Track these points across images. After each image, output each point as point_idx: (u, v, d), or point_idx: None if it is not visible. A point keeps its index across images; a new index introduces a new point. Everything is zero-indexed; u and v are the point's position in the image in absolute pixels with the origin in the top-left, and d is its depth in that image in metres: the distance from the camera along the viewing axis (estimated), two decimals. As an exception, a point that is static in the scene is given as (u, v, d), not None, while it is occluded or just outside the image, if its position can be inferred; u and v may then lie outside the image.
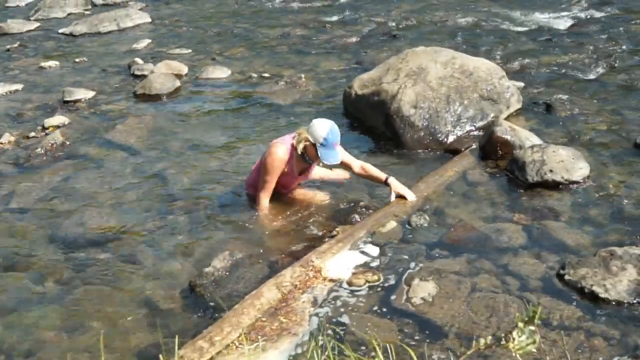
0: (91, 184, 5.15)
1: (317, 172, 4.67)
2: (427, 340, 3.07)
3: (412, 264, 3.68)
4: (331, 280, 3.55)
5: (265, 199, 4.36)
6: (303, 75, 7.20)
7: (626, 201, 4.24)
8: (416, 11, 9.64)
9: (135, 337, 3.35)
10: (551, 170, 4.44)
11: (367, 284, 3.52)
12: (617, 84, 6.36)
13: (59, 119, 6.43)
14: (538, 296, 3.35)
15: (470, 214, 4.23)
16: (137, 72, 7.77)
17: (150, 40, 9.24)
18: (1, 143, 6.02)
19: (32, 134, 6.21)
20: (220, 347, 3.01)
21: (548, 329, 3.07)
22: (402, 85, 5.58)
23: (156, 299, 3.66)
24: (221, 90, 7.18)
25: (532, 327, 1.61)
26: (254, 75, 7.49)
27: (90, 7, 11.78)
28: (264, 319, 3.21)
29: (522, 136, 4.93)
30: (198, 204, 4.71)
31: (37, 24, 10.63)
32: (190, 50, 8.65)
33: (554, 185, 4.42)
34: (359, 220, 4.23)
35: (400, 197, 4.33)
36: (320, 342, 2.67)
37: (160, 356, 2.45)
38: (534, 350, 1.65)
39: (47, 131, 6.21)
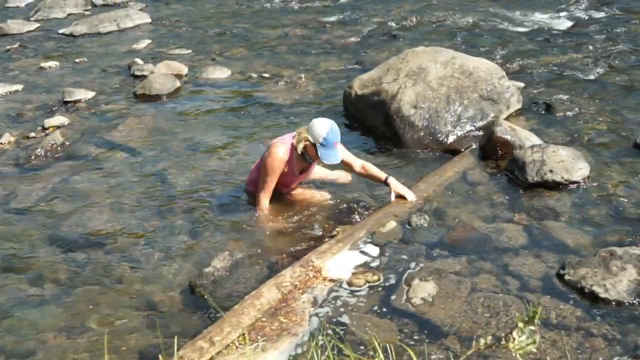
0: (91, 184, 5.15)
1: (318, 172, 4.67)
2: (427, 340, 3.07)
3: (412, 264, 3.68)
4: (331, 281, 3.55)
5: (265, 199, 4.35)
6: (303, 76, 7.20)
7: (626, 201, 4.24)
8: (416, 11, 9.64)
9: (135, 337, 3.35)
10: (551, 171, 4.43)
11: (367, 284, 3.52)
12: (617, 84, 6.36)
13: (59, 120, 6.43)
14: (538, 296, 3.35)
15: (470, 214, 4.23)
16: (137, 73, 7.77)
17: (150, 41, 9.23)
18: (1, 143, 6.02)
19: (32, 134, 6.21)
20: (220, 347, 3.02)
21: (548, 329, 3.07)
22: (402, 85, 5.58)
23: (156, 299, 3.66)
24: (221, 91, 7.18)
25: (532, 327, 1.61)
26: (254, 75, 7.49)
27: (90, 7, 11.77)
28: (263, 319, 3.21)
29: (522, 136, 4.93)
30: (198, 204, 4.71)
31: (37, 25, 10.63)
32: (190, 51, 8.65)
33: (554, 186, 4.42)
34: (359, 220, 4.23)
35: (400, 197, 4.33)
36: (320, 342, 2.67)
37: (160, 356, 2.45)
38: (534, 350, 1.65)
39: (47, 131, 6.21)
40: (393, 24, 9.14)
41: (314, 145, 4.10)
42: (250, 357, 2.92)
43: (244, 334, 3.05)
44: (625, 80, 6.44)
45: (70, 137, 6.04)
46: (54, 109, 6.85)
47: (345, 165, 4.46)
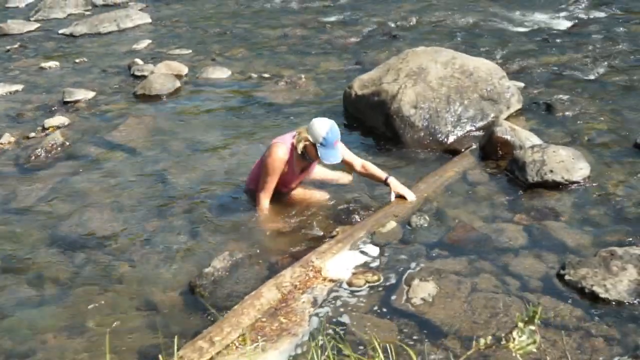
0: (91, 184, 5.15)
1: (319, 172, 4.66)
2: (427, 340, 3.07)
3: (412, 264, 3.68)
4: (331, 281, 3.55)
5: (265, 199, 4.35)
6: (303, 76, 7.20)
7: (626, 201, 4.23)
8: (416, 11, 9.64)
9: (135, 337, 3.35)
10: (551, 171, 4.43)
11: (367, 284, 3.52)
12: (618, 84, 6.36)
13: (59, 120, 6.43)
14: (538, 296, 3.34)
15: (470, 214, 4.23)
16: (137, 73, 7.77)
17: (150, 41, 9.24)
18: (1, 143, 6.03)
19: (32, 134, 6.21)
20: (220, 348, 3.01)
21: (548, 329, 3.07)
22: (402, 85, 5.58)
23: (156, 299, 3.66)
24: (221, 91, 7.18)
25: (532, 327, 1.61)
26: (254, 75, 7.49)
27: (90, 7, 11.77)
28: (263, 319, 3.21)
29: (523, 136, 4.93)
30: (198, 204, 4.71)
31: (37, 25, 10.63)
32: (190, 51, 8.65)
33: (554, 186, 4.42)
34: (358, 220, 4.22)
35: (400, 197, 4.33)
36: (320, 342, 2.67)
37: (160, 356, 2.45)
38: (535, 350, 1.65)
39: (47, 132, 6.21)
40: (393, 24, 9.15)
41: (313, 145, 4.10)
42: (250, 357, 2.92)
43: (244, 334, 3.05)
44: (625, 80, 6.44)
45: (70, 137, 6.04)
46: (54, 109, 6.85)
47: (345, 164, 4.45)
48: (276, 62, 7.95)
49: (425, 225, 4.09)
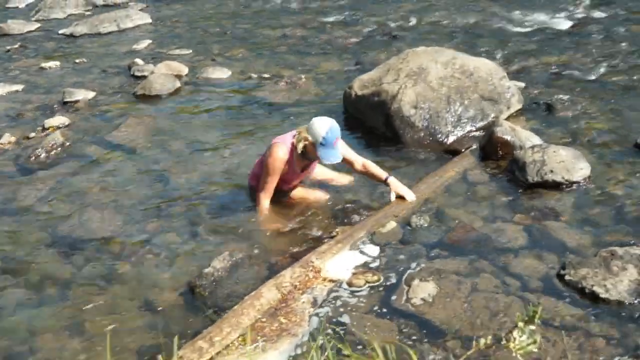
0: (91, 184, 5.15)
1: (319, 172, 4.66)
2: (427, 341, 3.07)
3: (412, 265, 3.68)
4: (331, 281, 3.55)
5: (265, 199, 4.35)
6: (303, 76, 7.20)
7: (627, 201, 4.23)
8: (416, 11, 9.64)
9: (135, 337, 3.35)
10: (552, 171, 4.43)
11: (367, 285, 3.52)
12: (618, 84, 6.35)
13: (59, 120, 6.43)
14: (538, 296, 3.34)
15: (471, 214, 4.22)
16: (137, 73, 7.76)
17: (150, 41, 9.23)
18: (1, 143, 6.03)
19: (33, 134, 6.21)
20: (220, 348, 3.02)
21: (548, 329, 3.06)
22: (402, 85, 5.58)
23: (156, 299, 3.66)
24: (221, 91, 7.17)
25: (532, 327, 1.61)
26: (254, 75, 7.48)
27: (90, 7, 11.77)
28: (263, 319, 3.21)
29: (523, 136, 4.92)
30: (198, 204, 4.70)
31: (37, 25, 10.63)
32: (190, 51, 8.64)
33: (555, 186, 4.42)
34: (358, 220, 4.22)
35: (400, 197, 4.33)
36: (320, 343, 2.67)
37: (160, 356, 2.45)
38: (535, 350, 1.65)
39: (47, 132, 6.21)
40: (393, 25, 9.14)
41: (313, 144, 4.09)
42: (250, 357, 2.92)
43: (244, 335, 3.05)
44: (625, 80, 6.43)
45: (70, 137, 6.04)
46: (54, 109, 6.85)
47: (346, 163, 4.45)
48: (276, 62, 7.94)
49: (425, 225, 4.09)
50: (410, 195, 4.32)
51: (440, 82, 5.56)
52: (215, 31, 9.65)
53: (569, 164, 4.46)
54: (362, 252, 3.81)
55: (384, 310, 3.32)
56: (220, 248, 4.05)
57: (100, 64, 8.40)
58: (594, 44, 7.52)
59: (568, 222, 4.04)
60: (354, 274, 3.61)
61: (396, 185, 4.35)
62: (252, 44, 8.84)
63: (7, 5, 12.39)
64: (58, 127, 6.27)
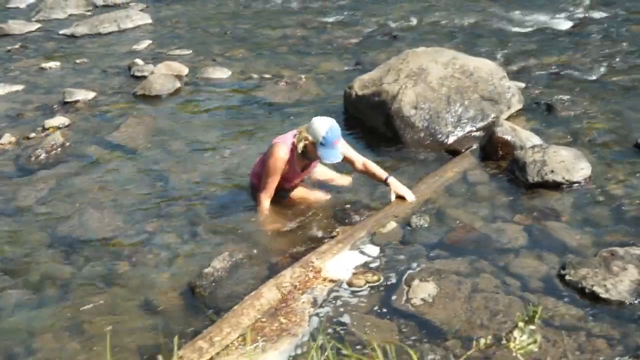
0: (91, 184, 5.15)
1: (320, 172, 4.66)
2: (427, 341, 3.07)
3: (412, 265, 3.67)
4: (331, 281, 3.55)
5: (266, 199, 4.35)
6: (303, 76, 7.20)
7: (627, 201, 4.23)
8: (416, 11, 9.64)
9: (135, 337, 3.35)
10: (552, 171, 4.43)
11: (367, 285, 3.52)
12: (618, 84, 6.35)
13: (59, 120, 6.43)
14: (539, 296, 3.34)
15: (471, 214, 4.22)
16: (138, 73, 7.76)
17: (150, 41, 9.23)
18: (1, 144, 6.02)
19: (33, 134, 6.21)
20: (220, 348, 3.02)
21: (549, 329, 3.06)
22: (402, 85, 5.58)
23: (156, 299, 3.66)
24: (221, 91, 7.17)
25: (533, 327, 1.61)
26: (255, 76, 7.48)
27: (91, 8, 11.76)
28: (263, 319, 3.21)
29: (523, 136, 4.92)
30: (198, 204, 4.70)
31: (38, 25, 10.63)
32: (190, 51, 8.64)
33: (555, 186, 4.41)
34: (359, 220, 4.22)
35: (400, 197, 4.33)
36: (320, 343, 2.66)
37: (160, 356, 2.45)
38: (535, 350, 1.64)
39: (47, 132, 6.21)
40: (393, 25, 9.14)
41: (314, 144, 4.09)
42: (250, 357, 2.92)
43: (244, 335, 3.05)
44: (626, 80, 6.43)
45: (70, 137, 6.04)
46: (54, 109, 6.85)
47: (346, 162, 4.45)
48: (276, 63, 7.94)
49: (426, 225, 4.09)
50: (410, 196, 4.32)
51: (440, 82, 5.56)
52: (216, 31, 9.65)
53: (570, 164, 4.46)
54: (362, 252, 3.81)
55: (384, 310, 3.32)
56: (220, 248, 4.05)
57: (100, 64, 8.40)
58: (594, 44, 7.52)
59: (568, 222, 4.04)
60: (354, 274, 3.61)
61: (396, 186, 4.35)
62: (252, 44, 8.84)
63: (8, 6, 12.39)
64: (58, 128, 6.27)
